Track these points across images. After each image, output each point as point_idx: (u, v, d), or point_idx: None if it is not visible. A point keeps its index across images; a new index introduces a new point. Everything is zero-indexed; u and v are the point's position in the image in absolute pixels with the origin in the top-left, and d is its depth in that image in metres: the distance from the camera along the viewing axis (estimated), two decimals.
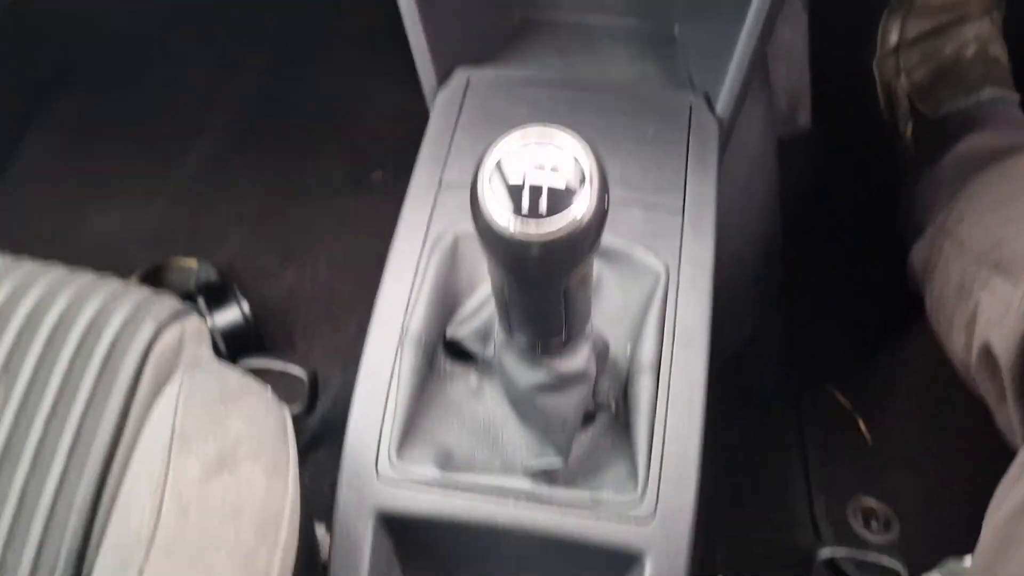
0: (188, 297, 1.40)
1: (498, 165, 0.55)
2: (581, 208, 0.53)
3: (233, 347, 1.36)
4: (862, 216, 1.66)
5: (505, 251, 0.54)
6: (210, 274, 1.46)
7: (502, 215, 0.53)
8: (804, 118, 1.82)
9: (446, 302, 0.86)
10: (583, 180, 0.54)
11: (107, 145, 1.79)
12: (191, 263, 1.48)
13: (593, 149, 0.56)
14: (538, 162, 0.55)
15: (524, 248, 0.53)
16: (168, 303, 0.81)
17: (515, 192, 0.54)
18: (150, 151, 1.79)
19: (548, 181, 0.54)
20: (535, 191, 0.54)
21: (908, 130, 1.67)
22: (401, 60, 1.06)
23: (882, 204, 1.58)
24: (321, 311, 1.50)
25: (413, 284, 0.85)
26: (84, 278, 0.82)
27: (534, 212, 0.53)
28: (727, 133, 1.05)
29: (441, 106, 1.04)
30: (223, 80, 1.88)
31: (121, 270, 1.49)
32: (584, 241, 0.54)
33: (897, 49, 1.71)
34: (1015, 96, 1.56)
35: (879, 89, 1.75)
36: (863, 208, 1.68)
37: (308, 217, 1.68)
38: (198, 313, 0.82)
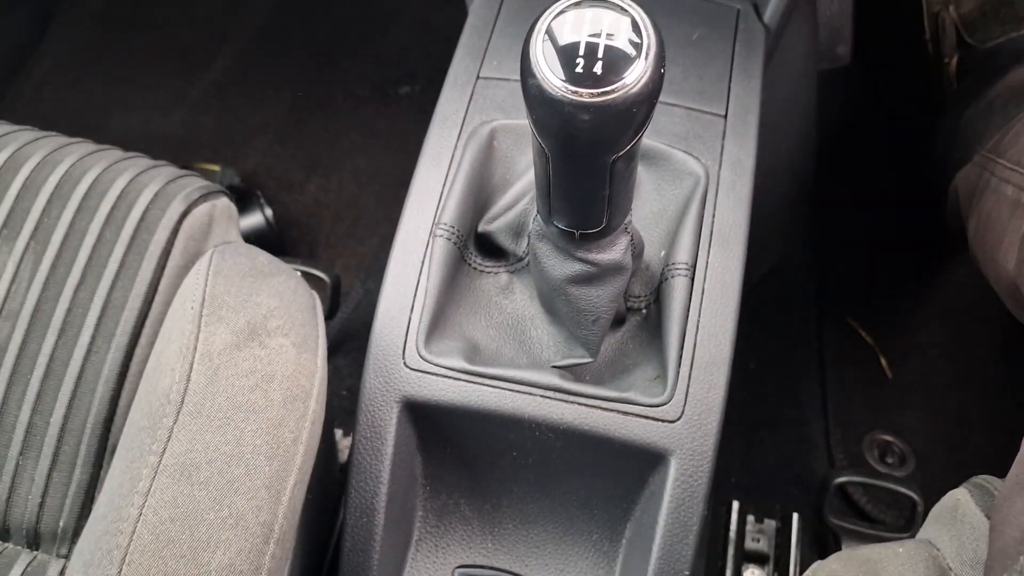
0: None
1: (552, 26, 0.53)
2: (637, 73, 0.52)
3: None
4: (895, 153, 1.63)
5: (554, 116, 0.53)
6: (233, 179, 1.45)
7: (554, 77, 0.52)
8: (844, 51, 1.77)
9: (480, 196, 0.84)
10: (640, 45, 0.52)
11: (131, 48, 1.76)
12: (214, 168, 1.47)
13: (650, 16, 0.54)
14: (594, 25, 0.53)
15: (575, 112, 0.52)
16: (199, 182, 0.79)
17: (569, 53, 0.52)
18: (175, 55, 1.76)
19: (604, 43, 0.52)
20: (590, 53, 0.52)
21: (953, 62, 1.62)
22: None
23: (916, 141, 1.54)
24: (344, 224, 1.49)
25: (447, 176, 0.84)
26: (114, 153, 0.81)
27: (588, 75, 0.51)
28: (773, 43, 1.02)
29: (481, 1, 1.01)
30: None
31: None
32: (638, 110, 0.53)
33: None
34: None
35: (925, 20, 1.69)
36: (897, 145, 1.65)
37: (333, 129, 1.66)
38: (227, 197, 0.81)
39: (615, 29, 0.52)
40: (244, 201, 1.41)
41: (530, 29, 0.53)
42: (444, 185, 0.83)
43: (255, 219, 1.37)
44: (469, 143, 0.84)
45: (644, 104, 0.53)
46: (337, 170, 1.59)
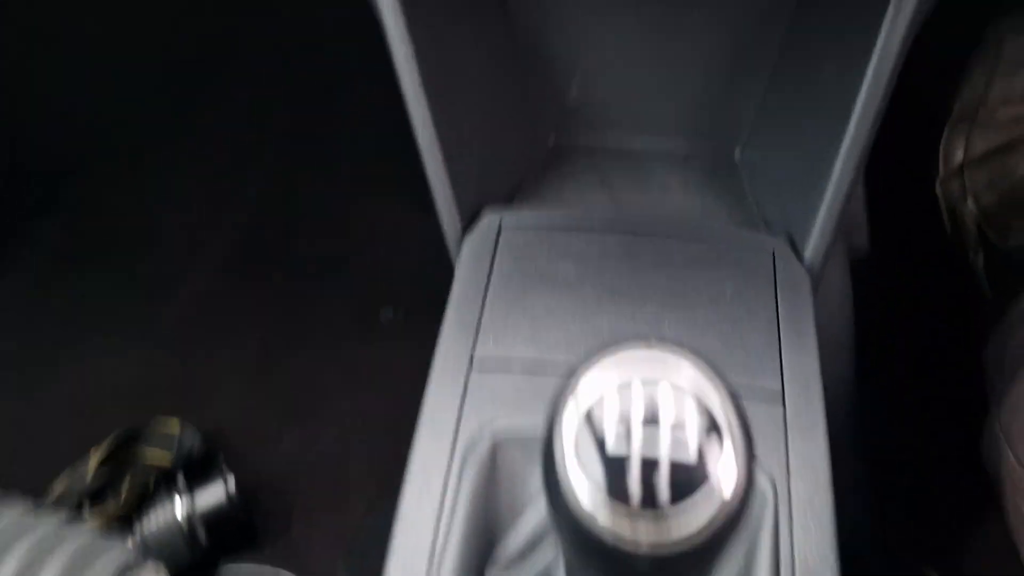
0: (166, 475, 1.19)
1: (586, 420, 0.36)
2: (719, 490, 0.34)
3: (216, 535, 1.14)
4: (941, 368, 1.46)
5: (602, 558, 0.35)
6: (195, 441, 1.26)
7: (597, 506, 0.34)
8: (860, 241, 1.64)
9: (484, 530, 0.65)
10: (720, 440, 0.35)
11: (85, 285, 1.62)
12: (173, 427, 1.28)
13: (725, 382, 0.37)
14: (648, 413, 0.36)
15: (633, 558, 0.34)
16: (116, 553, 0.60)
17: (615, 468, 0.34)
18: (133, 289, 1.61)
19: (668, 448, 0.35)
20: (649, 467, 0.34)
21: (980, 261, 1.48)
22: (412, 177, 0.89)
23: (962, 354, 1.38)
24: (323, 488, 1.29)
25: (441, 506, 0.65)
26: (7, 517, 0.62)
27: (649, 501, 0.34)
28: (816, 283, 0.87)
29: (468, 258, 0.86)
30: (215, 206, 1.73)
31: (94, 432, 1.32)
32: (725, 538, 0.35)
33: (962, 169, 1.54)
34: None
35: (944, 213, 1.57)
36: (941, 357, 1.48)
37: (310, 368, 1.49)
38: (153, 564, 0.61)
39: (680, 414, 0.35)
40: (206, 469, 1.21)
41: (551, 413, 0.36)
42: (438, 520, 0.64)
43: (217, 494, 1.17)
44: (467, 462, 0.66)
45: (736, 523, 0.35)
46: (315, 418, 1.40)
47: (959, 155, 1.53)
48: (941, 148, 1.56)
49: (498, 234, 0.88)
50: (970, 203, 1.51)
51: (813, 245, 0.85)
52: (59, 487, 1.19)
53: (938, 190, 1.58)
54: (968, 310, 1.48)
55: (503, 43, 0.95)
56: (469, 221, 0.89)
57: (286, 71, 1.83)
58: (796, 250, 0.87)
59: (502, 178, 0.98)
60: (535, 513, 0.64)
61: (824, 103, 0.88)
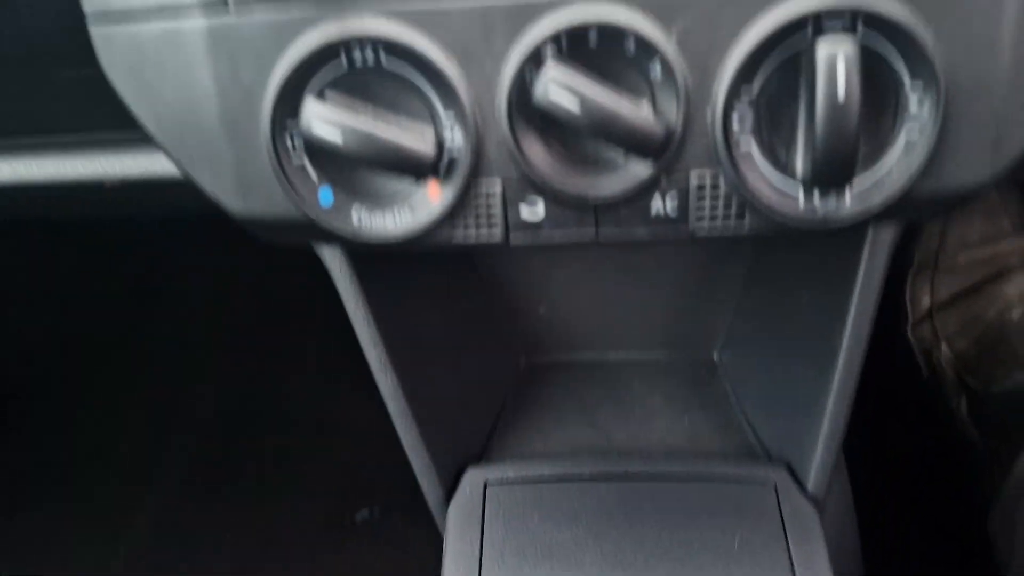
0: None
1: None
2: None
3: None
4: (944, 541, 1.42)
5: None
6: None
7: None
8: None
9: None
10: None
11: (37, 516, 1.52)
12: None
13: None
14: None
15: None
16: None
17: None
18: (91, 518, 1.51)
19: None
20: None
21: (963, 407, 1.46)
22: None
23: (963, 520, 1.35)
24: None
25: None
26: None
27: None
28: (822, 512, 0.83)
29: (456, 528, 0.80)
30: (177, 405, 1.66)
31: None
32: None
33: (931, 314, 1.54)
34: None
35: (919, 358, 1.56)
36: (941, 530, 1.44)
37: None
38: None
39: None
40: None
41: None
42: None
43: None
44: None
45: None
46: None
47: (926, 300, 1.53)
48: (907, 295, 1.56)
49: (484, 497, 0.82)
50: (944, 348, 1.50)
51: (816, 478, 0.82)
52: None
53: (911, 336, 1.57)
54: (958, 458, 1.46)
55: (469, 288, 0.92)
56: (451, 485, 0.84)
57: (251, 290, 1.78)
58: (798, 479, 0.83)
59: (478, 419, 0.94)
60: None
61: (804, 328, 0.86)
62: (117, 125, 0.63)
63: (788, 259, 0.87)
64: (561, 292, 0.99)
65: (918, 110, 0.51)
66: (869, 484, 1.40)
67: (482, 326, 0.99)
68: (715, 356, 1.04)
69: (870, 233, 0.65)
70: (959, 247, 1.52)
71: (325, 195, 0.56)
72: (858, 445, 1.38)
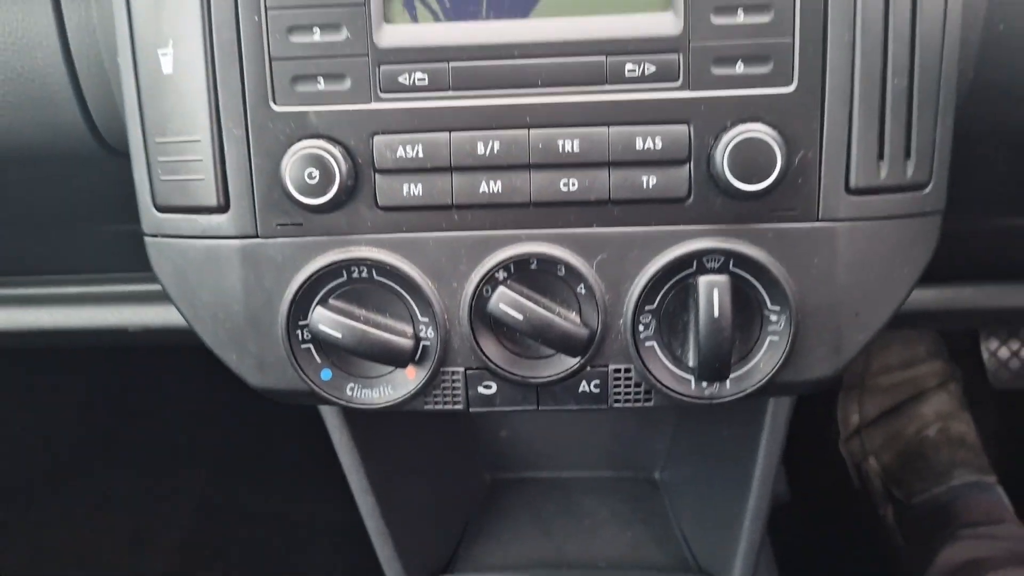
0: None
1: None
2: None
3: None
4: None
5: None
6: None
7: None
8: (781, 489, 1.77)
9: None
10: None
11: None
12: None
13: None
14: None
15: None
16: None
17: None
18: None
19: None
20: None
21: (889, 515, 1.62)
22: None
23: None
24: None
25: None
26: None
27: None
28: None
29: None
30: (147, 521, 1.74)
31: None
32: None
33: (859, 430, 1.70)
34: (991, 478, 1.54)
35: (851, 470, 1.72)
36: None
37: None
38: None
39: None
40: None
41: None
42: None
43: None
44: None
45: None
46: None
47: (855, 418, 1.69)
48: (839, 412, 1.72)
49: None
50: (872, 461, 1.66)
51: None
52: None
53: (842, 450, 1.73)
54: (885, 562, 1.59)
55: (441, 419, 1.08)
56: None
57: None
58: None
59: (447, 531, 1.07)
60: None
61: (726, 456, 1.02)
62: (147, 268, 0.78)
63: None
64: (521, 420, 1.15)
65: (777, 323, 0.68)
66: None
67: (452, 448, 1.14)
68: (656, 475, 1.20)
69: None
70: (882, 370, 1.69)
71: (325, 374, 0.72)
72: (794, 547, 1.53)
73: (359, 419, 0.90)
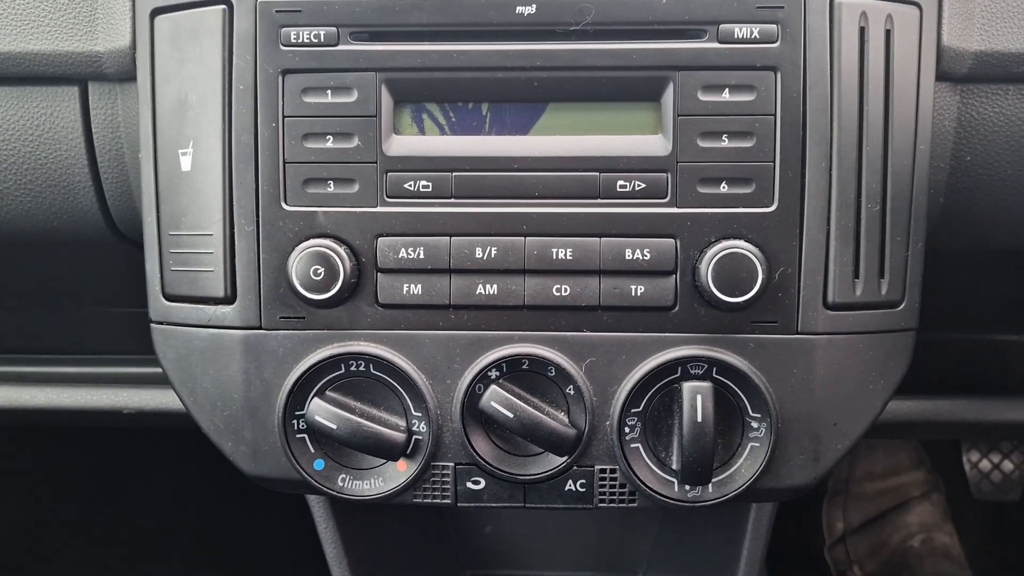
0: None
1: None
2: None
3: None
4: None
5: None
6: None
7: None
8: None
9: None
10: None
11: None
12: None
13: None
14: None
15: None
16: None
17: None
18: None
19: None
20: None
21: None
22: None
23: None
24: None
25: None
26: None
27: None
28: None
29: None
30: None
31: None
32: None
33: (844, 537, 1.70)
34: None
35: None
36: None
37: None
38: None
39: None
40: None
41: None
42: None
43: None
44: None
45: None
46: None
47: (839, 526, 1.69)
48: (823, 518, 1.72)
49: None
50: (857, 570, 1.65)
51: None
52: None
53: (827, 557, 1.72)
54: None
55: (425, 514, 1.08)
56: None
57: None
58: None
59: None
60: None
61: (709, 560, 1.02)
62: (147, 352, 0.80)
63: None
64: (505, 517, 1.16)
65: (758, 430, 0.71)
66: None
67: (434, 544, 1.14)
68: None
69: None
70: (866, 477, 1.70)
71: (319, 464, 0.74)
72: None
73: (346, 511, 0.91)
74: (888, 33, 0.68)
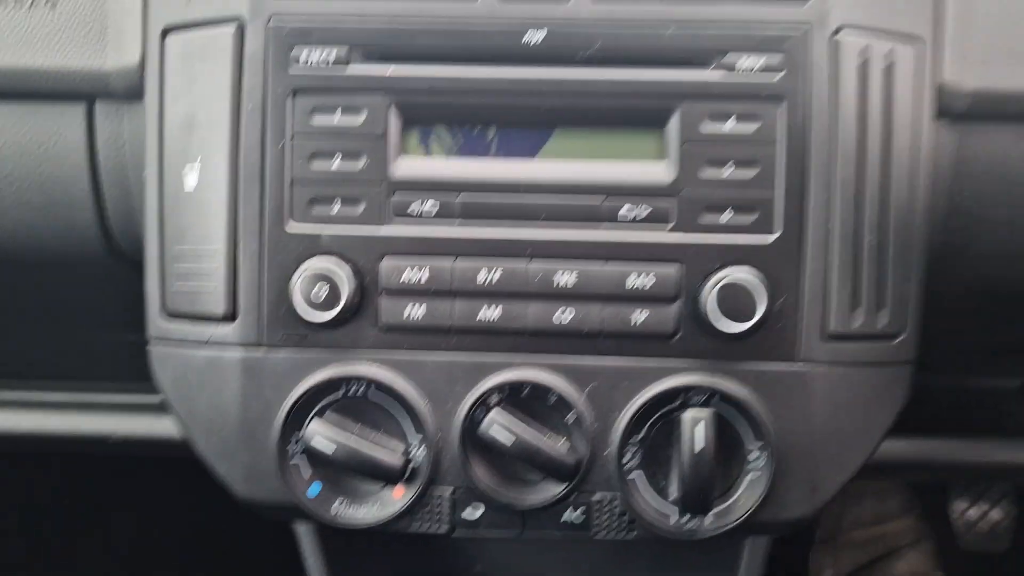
0: None
1: None
2: None
3: None
4: None
5: None
6: None
7: None
8: None
9: None
10: None
11: None
12: None
13: None
14: None
15: None
16: None
17: None
18: None
19: None
20: None
21: None
22: None
23: None
24: None
25: None
26: None
27: None
28: None
29: None
30: None
31: None
32: None
33: None
34: None
35: None
36: None
37: None
38: None
39: None
40: None
41: None
42: None
43: None
44: None
45: None
46: None
47: (829, 573, 1.68)
48: (811, 565, 1.71)
49: None
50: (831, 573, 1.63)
51: None
52: None
53: None
54: None
55: (414, 547, 1.06)
56: None
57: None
58: None
59: None
60: None
61: None
62: (139, 379, 0.79)
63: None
64: (497, 553, 1.13)
65: (758, 461, 0.71)
66: None
67: None
68: None
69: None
70: (854, 524, 1.69)
71: (314, 488, 0.73)
72: None
73: (335, 543, 0.89)
74: (889, 68, 0.69)
